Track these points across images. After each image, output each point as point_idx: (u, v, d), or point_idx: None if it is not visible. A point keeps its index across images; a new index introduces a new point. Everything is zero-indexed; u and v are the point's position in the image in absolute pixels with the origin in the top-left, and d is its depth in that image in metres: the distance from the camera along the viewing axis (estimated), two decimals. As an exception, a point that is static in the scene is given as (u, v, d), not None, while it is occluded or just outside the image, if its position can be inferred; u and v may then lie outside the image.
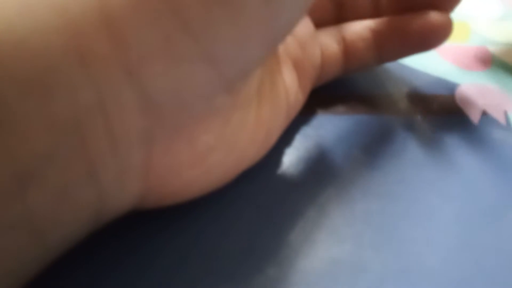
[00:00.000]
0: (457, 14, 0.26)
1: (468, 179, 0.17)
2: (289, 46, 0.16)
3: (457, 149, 0.18)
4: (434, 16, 0.18)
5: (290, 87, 0.16)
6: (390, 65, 0.22)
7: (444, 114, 0.20)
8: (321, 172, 0.17)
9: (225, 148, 0.13)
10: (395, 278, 0.14)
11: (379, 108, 0.20)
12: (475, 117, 0.19)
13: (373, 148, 0.18)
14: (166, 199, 0.13)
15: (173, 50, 0.10)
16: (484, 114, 0.20)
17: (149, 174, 0.11)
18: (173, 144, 0.11)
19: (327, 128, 0.18)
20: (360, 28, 0.19)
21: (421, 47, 0.19)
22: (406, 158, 0.17)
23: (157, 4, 0.10)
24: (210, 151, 0.12)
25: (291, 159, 0.17)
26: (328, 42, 0.19)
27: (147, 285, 0.13)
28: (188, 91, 0.11)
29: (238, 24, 0.10)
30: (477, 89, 0.21)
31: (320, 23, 0.19)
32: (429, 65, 0.22)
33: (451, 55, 0.23)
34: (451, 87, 0.21)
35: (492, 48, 0.23)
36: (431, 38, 0.18)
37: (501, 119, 0.19)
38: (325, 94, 0.20)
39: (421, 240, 0.15)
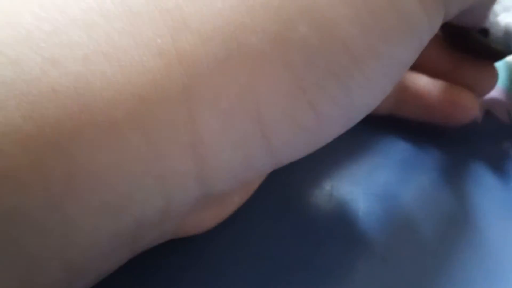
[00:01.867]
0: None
1: (468, 179, 0.17)
2: None
3: (459, 148, 0.18)
4: (465, 95, 0.17)
5: None
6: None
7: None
8: (322, 172, 0.17)
9: (244, 191, 0.13)
10: None
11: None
12: (478, 116, 0.19)
13: (374, 148, 0.18)
14: (180, 235, 0.13)
15: (250, 162, 0.10)
16: (488, 113, 0.20)
17: (178, 229, 0.12)
18: (207, 207, 0.12)
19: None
20: None
21: (439, 119, 0.18)
22: (405, 157, 0.17)
23: (246, 126, 0.10)
24: (236, 202, 0.13)
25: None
26: None
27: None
28: (246, 179, 0.11)
29: (315, 143, 0.11)
30: (481, 88, 0.21)
31: None
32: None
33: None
34: (454, 87, 0.21)
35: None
36: (453, 116, 0.17)
37: (504, 118, 0.19)
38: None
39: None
